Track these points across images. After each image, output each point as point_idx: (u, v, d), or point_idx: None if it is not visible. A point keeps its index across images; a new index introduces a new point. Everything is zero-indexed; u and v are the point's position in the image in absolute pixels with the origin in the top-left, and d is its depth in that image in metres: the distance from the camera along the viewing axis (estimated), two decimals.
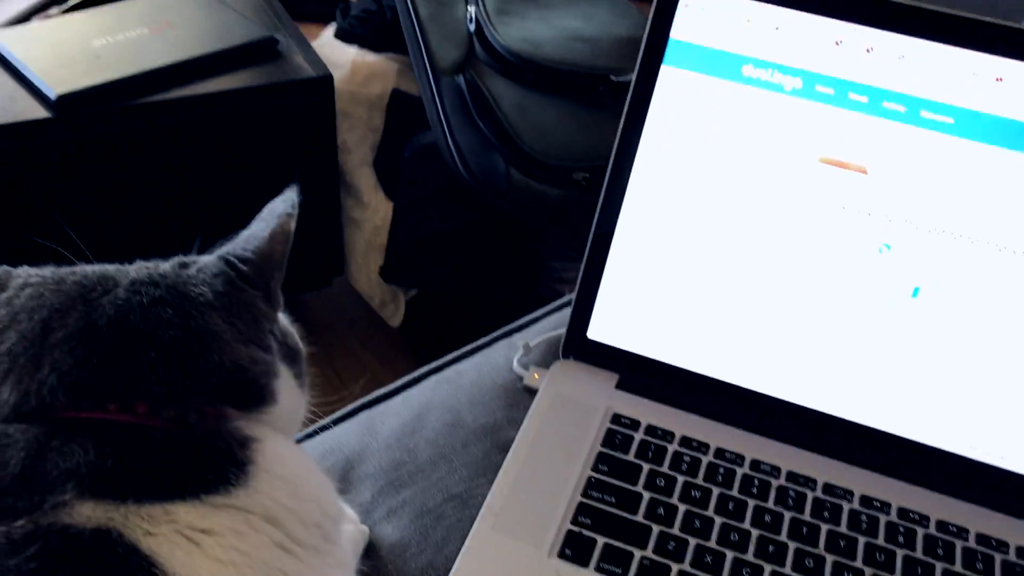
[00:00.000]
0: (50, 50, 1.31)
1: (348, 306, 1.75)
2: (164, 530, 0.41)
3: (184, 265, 0.50)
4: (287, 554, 0.46)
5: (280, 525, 0.46)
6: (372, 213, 1.52)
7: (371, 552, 0.66)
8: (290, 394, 0.52)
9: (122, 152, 1.30)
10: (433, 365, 0.81)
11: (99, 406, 0.43)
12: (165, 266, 0.50)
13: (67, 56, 1.30)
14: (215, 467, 0.44)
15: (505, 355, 0.80)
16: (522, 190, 1.33)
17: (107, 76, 1.27)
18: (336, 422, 0.78)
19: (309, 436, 0.77)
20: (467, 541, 0.64)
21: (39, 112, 1.23)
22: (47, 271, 0.49)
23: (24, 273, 0.48)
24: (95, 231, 1.32)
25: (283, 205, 0.53)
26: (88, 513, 0.40)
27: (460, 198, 1.43)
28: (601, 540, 0.64)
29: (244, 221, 1.54)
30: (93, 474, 0.41)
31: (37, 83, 1.25)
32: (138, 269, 0.49)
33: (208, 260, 0.51)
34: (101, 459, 0.41)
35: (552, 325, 0.83)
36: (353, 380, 1.66)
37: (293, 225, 0.53)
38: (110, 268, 0.50)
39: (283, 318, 0.57)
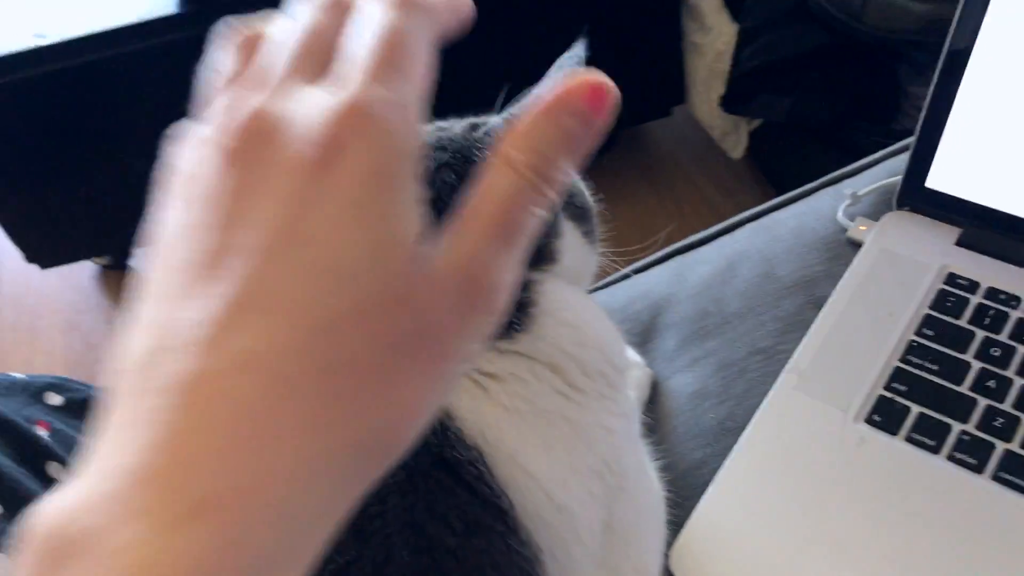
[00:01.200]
0: None
1: (690, 136, 1.71)
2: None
3: (474, 127, 0.51)
4: (568, 401, 0.47)
5: (562, 372, 0.47)
6: (715, 37, 1.45)
7: (663, 398, 0.67)
8: (576, 251, 0.53)
9: None
10: (752, 211, 0.78)
11: None
12: (456, 128, 0.51)
13: None
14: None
15: (830, 204, 0.74)
16: (884, 7, 1.19)
17: None
18: (647, 267, 0.78)
19: (619, 280, 0.79)
20: (768, 397, 0.62)
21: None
22: None
23: None
24: None
25: (570, 61, 0.52)
26: None
27: (810, 19, 1.31)
28: (916, 409, 0.59)
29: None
30: None
31: None
32: (431, 132, 0.51)
33: (495, 121, 0.51)
34: None
35: (886, 172, 0.75)
36: (694, 213, 1.64)
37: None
38: None
39: (571, 174, 0.56)
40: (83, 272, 1.77)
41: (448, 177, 0.47)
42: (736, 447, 0.61)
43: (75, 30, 1.30)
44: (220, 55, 0.31)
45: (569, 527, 0.46)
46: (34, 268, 1.61)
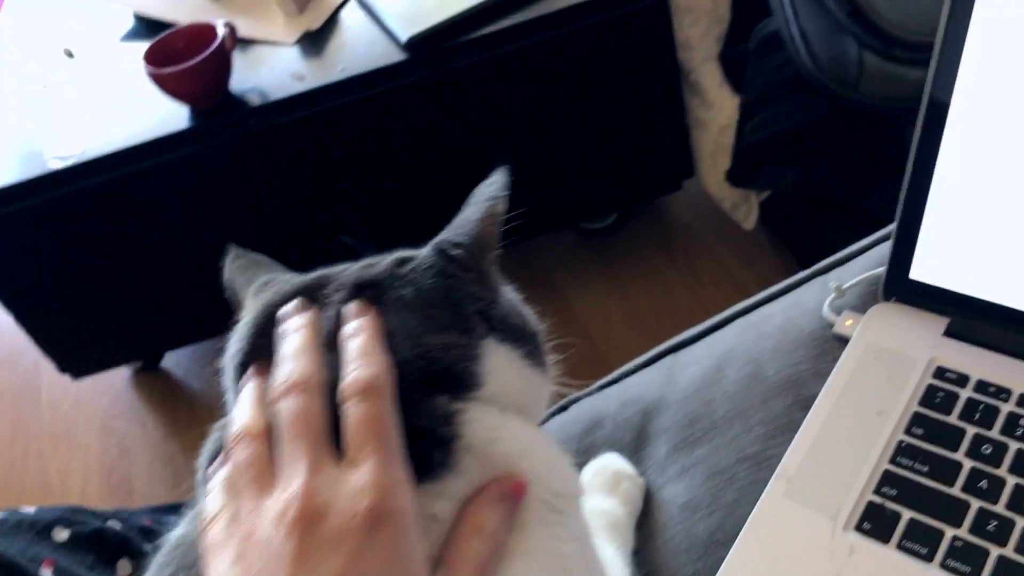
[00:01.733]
0: None
1: (705, 207, 1.71)
2: None
3: (401, 262, 0.52)
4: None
5: None
6: (718, 112, 1.46)
7: (655, 510, 0.66)
8: (512, 375, 0.52)
9: (467, 84, 1.37)
10: (740, 307, 0.78)
11: None
12: (380, 266, 0.52)
13: None
14: (422, 450, 0.45)
15: (817, 297, 0.74)
16: (878, 76, 1.19)
17: (452, 11, 1.34)
18: (639, 367, 0.78)
19: (613, 382, 0.79)
20: (756, 507, 0.61)
21: (394, 56, 1.33)
22: (284, 277, 0.54)
23: (273, 279, 0.55)
24: (440, 165, 1.42)
25: (491, 188, 0.52)
26: None
27: (810, 91, 1.31)
28: (907, 514, 0.58)
29: (583, 137, 1.55)
30: None
31: (390, 27, 1.35)
32: (357, 271, 0.52)
33: (424, 254, 0.52)
34: None
35: (875, 261, 0.75)
36: (712, 283, 1.64)
37: (503, 208, 0.51)
38: (330, 273, 0.53)
39: (511, 297, 0.56)
40: (117, 376, 1.81)
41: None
42: (726, 561, 0.60)
43: (94, 151, 1.36)
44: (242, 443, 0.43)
45: None
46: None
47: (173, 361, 1.80)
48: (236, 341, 0.53)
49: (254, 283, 0.56)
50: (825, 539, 0.59)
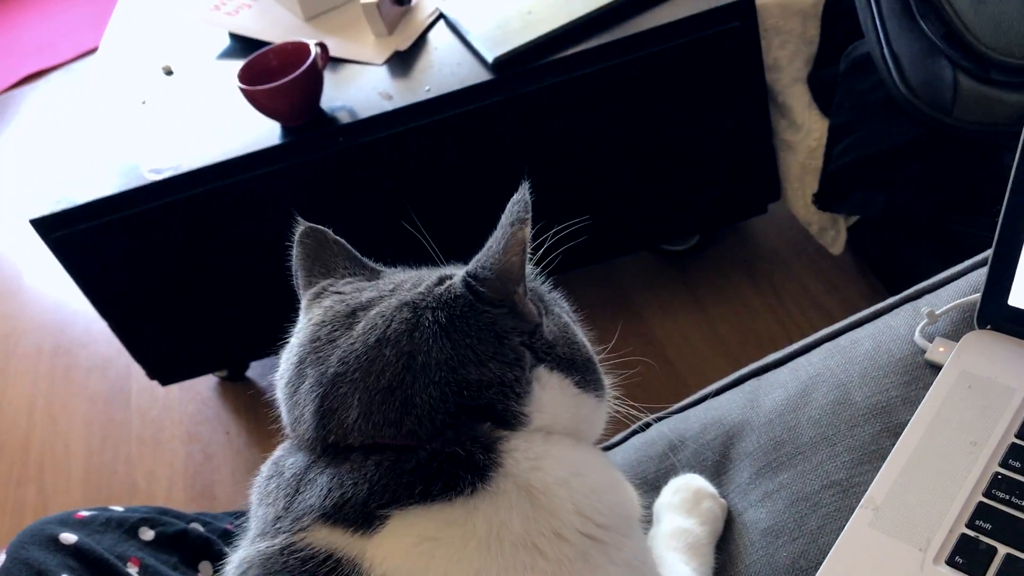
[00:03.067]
0: (488, 13, 1.42)
1: (791, 231, 1.68)
2: (388, 551, 0.45)
3: (440, 281, 0.52)
4: (527, 570, 0.46)
5: (515, 541, 0.46)
6: (806, 134, 1.43)
7: (736, 535, 0.65)
8: (560, 402, 0.52)
9: (552, 104, 1.38)
10: (827, 331, 0.76)
11: (341, 434, 0.49)
12: (424, 285, 0.52)
13: (503, 17, 1.39)
14: (451, 475, 0.46)
15: (908, 322, 0.72)
16: (974, 100, 1.16)
17: (538, 32, 1.35)
18: (722, 390, 0.77)
19: (694, 404, 0.78)
20: (842, 535, 0.60)
21: (480, 75, 1.35)
22: (348, 286, 0.55)
23: (328, 287, 0.56)
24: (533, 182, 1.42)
25: (516, 209, 0.51)
26: (323, 538, 0.46)
27: (902, 114, 1.28)
28: (1003, 550, 0.56)
29: (667, 158, 1.52)
30: (327, 506, 0.47)
31: (477, 47, 1.36)
32: (410, 284, 0.53)
33: (456, 278, 0.52)
34: (335, 490, 0.47)
35: (969, 287, 0.72)
36: (797, 308, 1.61)
37: (528, 231, 0.51)
38: (389, 283, 0.54)
39: (563, 321, 0.56)
40: (203, 384, 1.86)
41: (400, 343, 0.49)
42: None
43: (189, 165, 1.40)
44: None
45: None
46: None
47: (257, 371, 1.84)
48: (282, 365, 0.54)
49: (312, 287, 0.57)
50: (914, 571, 0.57)
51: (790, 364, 0.75)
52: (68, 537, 0.74)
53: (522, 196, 0.52)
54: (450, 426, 0.48)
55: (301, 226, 0.61)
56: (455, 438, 0.48)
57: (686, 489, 0.68)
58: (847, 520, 0.61)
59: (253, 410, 1.79)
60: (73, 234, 1.44)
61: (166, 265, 1.54)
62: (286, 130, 1.40)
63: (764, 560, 0.63)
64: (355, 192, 1.43)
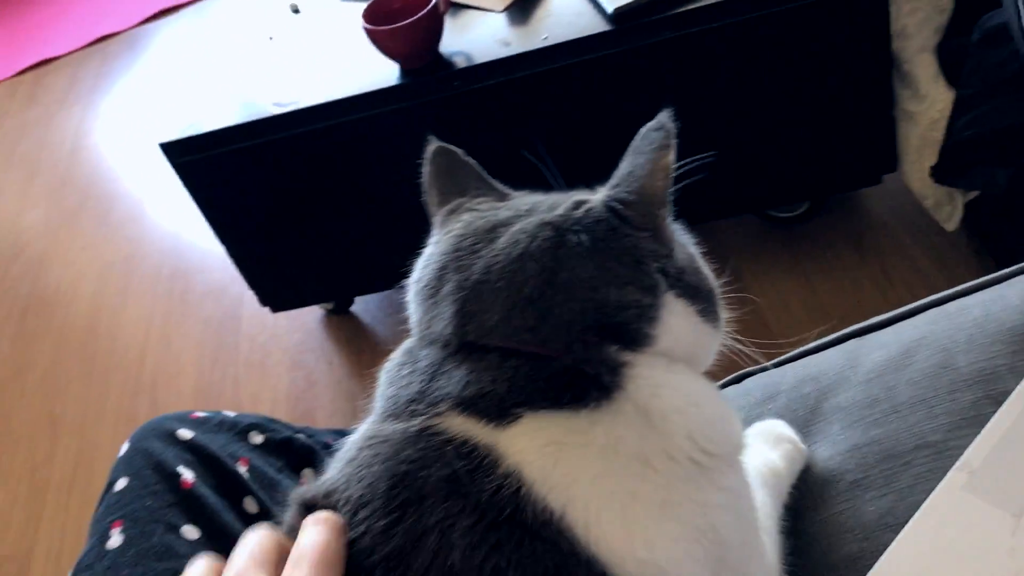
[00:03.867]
0: None
1: (904, 204, 1.64)
2: (520, 445, 0.47)
3: (577, 205, 0.54)
4: (645, 479, 0.48)
5: (630, 453, 0.48)
6: (929, 105, 1.39)
7: (819, 484, 0.65)
8: (687, 331, 0.54)
9: (669, 58, 1.37)
10: (935, 297, 0.75)
11: (480, 334, 0.51)
12: (562, 208, 0.54)
13: None
14: (579, 388, 0.48)
15: (1021, 294, 0.70)
16: None
17: None
18: (821, 348, 0.77)
19: (792, 359, 0.78)
20: (933, 494, 0.60)
21: (599, 26, 1.35)
22: (474, 207, 0.57)
23: (462, 205, 0.58)
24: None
25: (658, 135, 0.53)
26: (459, 425, 0.48)
27: None
28: None
29: (782, 121, 1.51)
30: (465, 396, 0.49)
31: None
32: (545, 207, 0.55)
33: (595, 202, 0.53)
34: (474, 383, 0.49)
35: None
36: (904, 284, 1.57)
37: (672, 157, 0.52)
38: (523, 204, 0.56)
39: (690, 251, 0.57)
40: (310, 315, 1.93)
41: (542, 259, 0.51)
42: (893, 545, 0.59)
43: (310, 100, 1.45)
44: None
45: None
46: (268, 310, 1.78)
47: (362, 307, 1.90)
48: (419, 270, 0.57)
49: (445, 204, 0.60)
50: (1005, 536, 0.57)
51: (894, 327, 0.75)
52: (185, 433, 0.80)
53: (664, 122, 0.53)
54: (582, 340, 0.50)
55: (433, 144, 0.63)
56: (584, 355, 0.50)
57: (769, 431, 0.70)
58: (939, 481, 0.61)
59: (355, 344, 1.86)
60: (197, 160, 1.51)
61: (283, 197, 1.60)
62: (404, 72, 1.43)
63: (850, 511, 0.63)
64: (468, 137, 1.46)
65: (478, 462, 0.46)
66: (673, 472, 0.49)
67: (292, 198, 1.60)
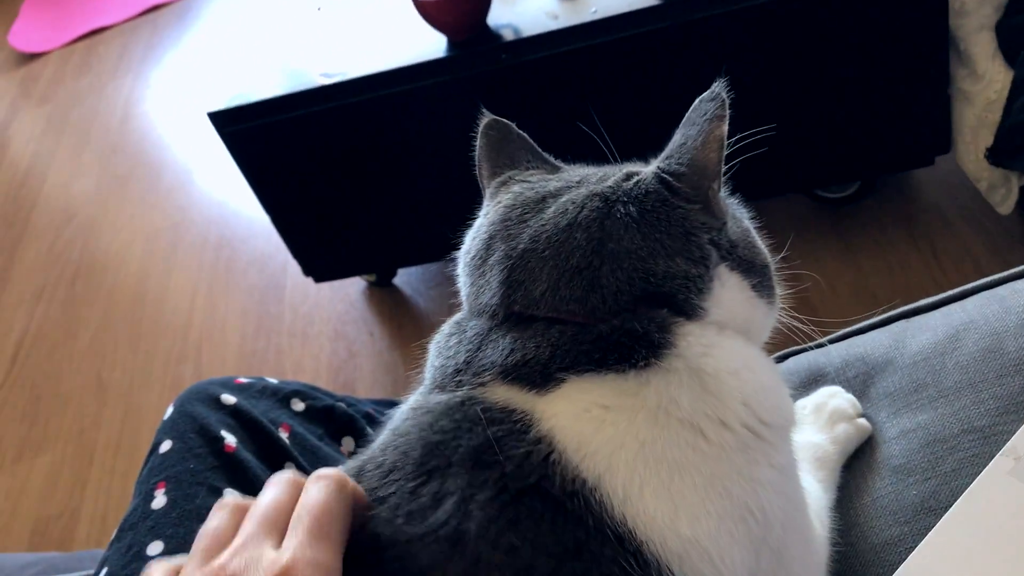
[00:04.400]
0: None
1: (958, 187, 1.61)
2: (557, 409, 0.46)
3: (628, 177, 0.53)
4: (696, 449, 0.47)
5: (694, 421, 0.47)
6: (986, 85, 1.36)
7: (864, 468, 0.65)
8: (740, 304, 0.53)
9: (719, 33, 1.35)
10: (987, 280, 0.74)
11: (526, 304, 0.51)
12: (612, 179, 0.54)
13: None
14: (627, 348, 0.48)
15: None
16: None
17: None
18: (868, 329, 0.76)
19: (838, 339, 0.77)
20: (978, 480, 0.59)
21: (648, 0, 1.33)
22: (525, 179, 0.57)
23: (513, 178, 0.58)
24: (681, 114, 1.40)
25: (711, 106, 0.52)
26: (501, 394, 0.48)
27: None
28: None
29: (833, 99, 1.47)
30: (508, 364, 0.49)
31: None
32: (596, 178, 0.54)
33: (646, 174, 0.53)
34: (517, 351, 0.49)
35: None
36: (954, 268, 1.54)
37: (725, 128, 0.51)
38: (574, 176, 0.56)
39: (744, 225, 0.56)
40: (353, 286, 1.94)
41: (591, 229, 0.51)
42: (935, 529, 0.58)
43: (357, 71, 1.45)
44: (217, 515, 0.48)
45: (704, 561, 0.45)
46: (311, 280, 1.79)
47: (404, 279, 1.91)
48: (468, 241, 0.57)
49: (496, 177, 0.60)
50: None
51: (943, 309, 0.73)
52: (228, 398, 0.81)
53: (718, 93, 0.53)
54: (630, 309, 0.50)
55: (486, 117, 0.63)
56: (633, 319, 0.49)
57: (823, 409, 0.69)
58: (983, 467, 0.60)
59: (397, 316, 1.87)
60: (245, 130, 1.52)
61: (328, 168, 1.60)
62: (452, 44, 1.43)
63: (892, 496, 0.63)
64: (515, 110, 1.45)
65: (510, 428, 0.46)
66: (726, 442, 0.48)
67: (337, 169, 1.60)
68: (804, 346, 0.78)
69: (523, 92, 1.45)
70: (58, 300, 2.25)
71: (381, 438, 0.51)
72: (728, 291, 0.53)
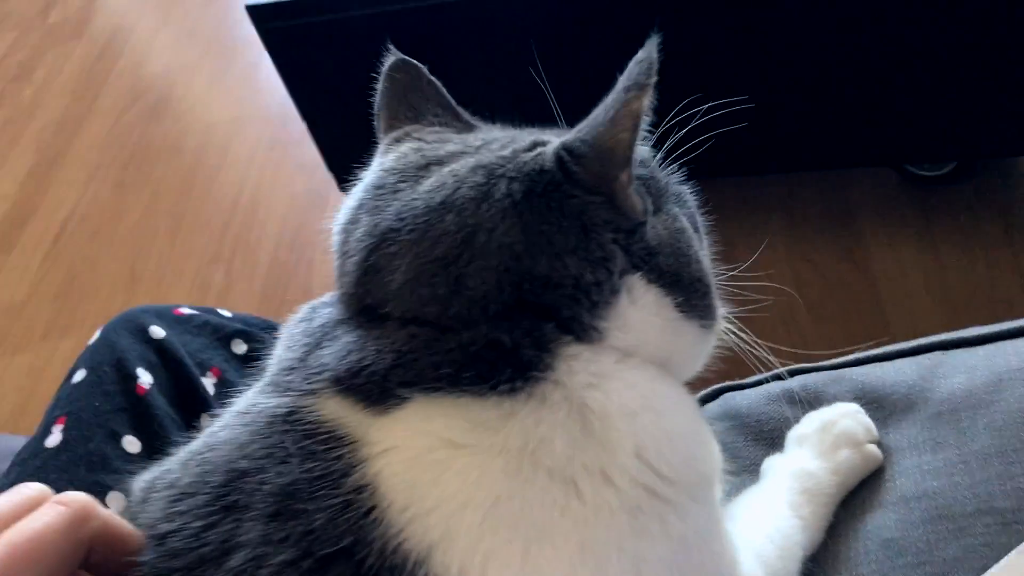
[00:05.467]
0: None
1: None
2: (393, 441, 0.36)
3: (532, 147, 0.42)
4: (556, 508, 0.35)
5: (552, 467, 0.36)
6: None
7: (854, 534, 0.52)
8: (651, 323, 0.41)
9: None
10: None
11: (379, 299, 0.41)
12: (511, 148, 0.42)
13: None
14: (488, 365, 0.37)
15: None
16: None
17: None
18: (894, 356, 0.62)
19: (856, 364, 0.63)
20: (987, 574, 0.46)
21: None
22: (432, 135, 0.47)
23: (406, 135, 0.48)
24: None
25: (636, 70, 0.39)
26: (331, 409, 0.38)
27: None
28: None
29: (935, 65, 1.28)
30: (340, 369, 0.38)
31: None
32: (499, 144, 0.43)
33: (547, 153, 0.41)
34: (355, 353, 0.38)
35: None
36: None
37: (645, 102, 0.38)
38: (479, 138, 0.45)
39: (679, 228, 0.44)
40: None
41: (463, 212, 0.40)
42: None
43: None
44: None
45: None
46: None
47: None
48: (344, 206, 0.46)
49: (394, 130, 0.49)
50: None
51: (990, 346, 0.59)
52: (157, 331, 0.72)
53: (647, 55, 0.39)
54: (504, 318, 0.38)
55: (392, 57, 0.52)
56: (504, 329, 0.38)
57: (829, 430, 0.56)
58: (996, 560, 0.47)
59: None
60: (285, 28, 1.43)
61: (371, 79, 1.49)
62: None
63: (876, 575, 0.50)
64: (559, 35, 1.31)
65: (330, 466, 0.35)
66: (606, 501, 0.36)
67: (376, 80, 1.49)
68: (817, 364, 0.65)
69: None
70: (109, 183, 2.21)
71: (194, 443, 0.41)
72: (640, 309, 0.40)
